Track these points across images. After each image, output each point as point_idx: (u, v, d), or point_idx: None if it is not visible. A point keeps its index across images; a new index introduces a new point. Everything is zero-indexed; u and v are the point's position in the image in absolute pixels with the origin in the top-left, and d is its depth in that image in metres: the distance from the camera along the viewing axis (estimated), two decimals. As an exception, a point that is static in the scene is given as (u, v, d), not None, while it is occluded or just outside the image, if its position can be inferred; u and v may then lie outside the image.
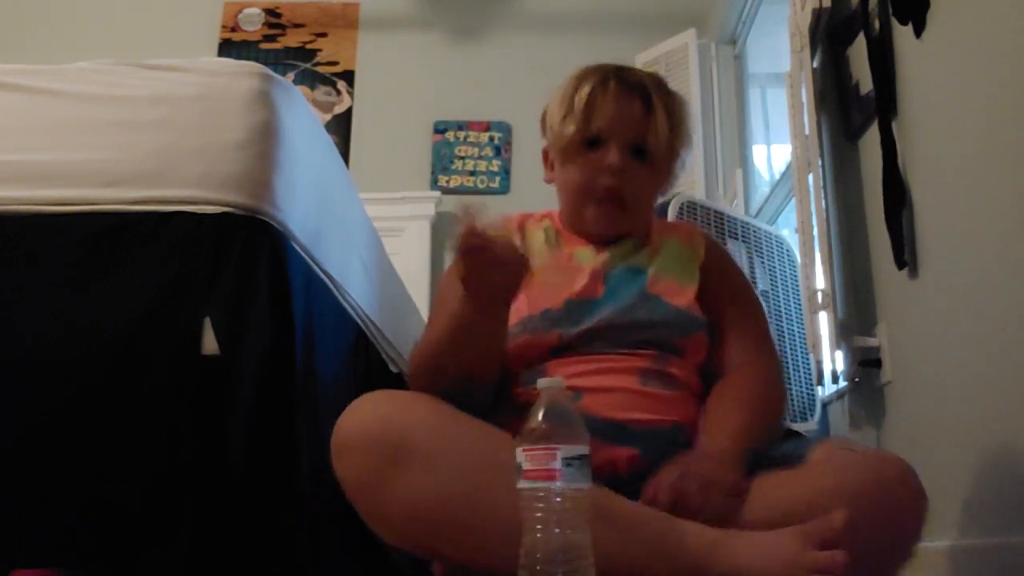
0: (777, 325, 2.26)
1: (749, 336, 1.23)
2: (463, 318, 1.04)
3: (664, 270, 1.23)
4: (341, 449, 0.96)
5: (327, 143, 1.62)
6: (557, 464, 0.81)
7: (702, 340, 1.19)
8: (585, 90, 1.20)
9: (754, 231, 2.35)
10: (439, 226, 3.47)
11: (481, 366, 1.09)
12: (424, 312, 3.06)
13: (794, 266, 2.38)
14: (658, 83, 1.25)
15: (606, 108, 1.19)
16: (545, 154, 1.31)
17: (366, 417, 0.96)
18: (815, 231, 2.03)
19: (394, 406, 0.98)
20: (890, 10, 1.77)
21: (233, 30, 3.89)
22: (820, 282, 2.03)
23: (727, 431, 1.07)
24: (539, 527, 0.80)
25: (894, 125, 1.77)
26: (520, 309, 1.16)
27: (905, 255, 1.70)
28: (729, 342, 1.21)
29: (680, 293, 1.20)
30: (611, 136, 1.20)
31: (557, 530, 0.80)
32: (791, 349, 2.27)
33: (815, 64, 2.14)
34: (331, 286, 1.55)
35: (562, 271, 1.21)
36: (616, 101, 1.20)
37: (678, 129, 1.24)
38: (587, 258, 1.24)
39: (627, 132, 1.20)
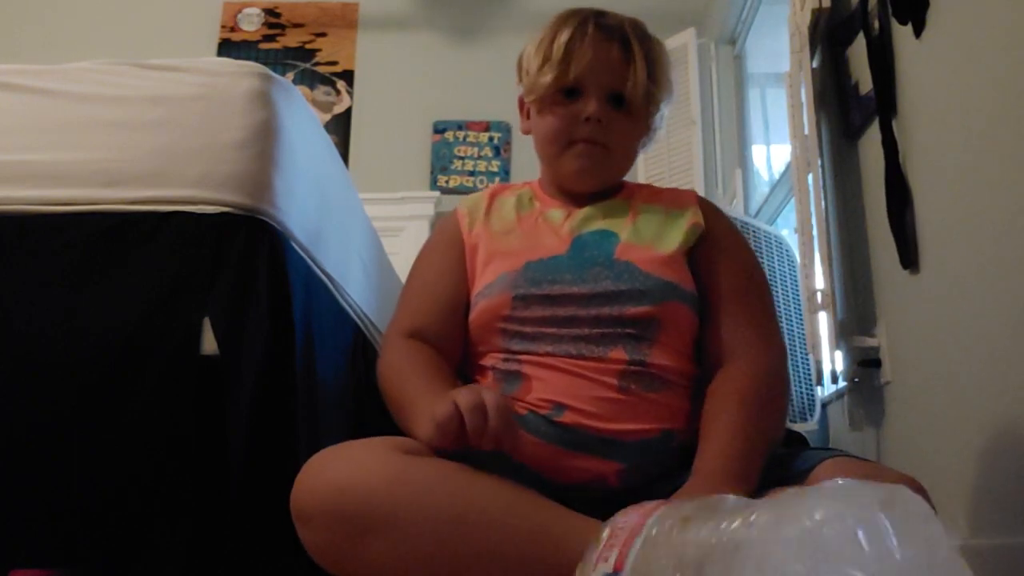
0: (777, 325, 2.26)
1: (750, 317, 1.12)
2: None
3: (639, 236, 1.15)
4: (300, 518, 0.92)
5: (327, 143, 1.62)
6: None
7: (680, 311, 1.09)
8: (563, 37, 1.17)
9: (753, 231, 2.35)
10: (439, 226, 3.47)
11: None
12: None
13: (794, 266, 2.38)
14: (637, 27, 1.20)
15: (583, 56, 1.15)
16: (521, 102, 1.26)
17: (323, 486, 0.91)
18: (815, 231, 2.03)
19: (352, 468, 0.92)
20: (890, 10, 1.77)
21: (232, 30, 3.89)
22: (820, 282, 2.03)
23: (724, 447, 0.98)
24: None
25: (894, 125, 1.77)
26: (485, 276, 1.15)
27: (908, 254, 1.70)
28: (726, 323, 1.11)
29: (655, 259, 1.11)
30: (589, 85, 1.15)
31: None
32: (791, 349, 2.27)
33: (815, 64, 2.14)
34: (330, 286, 1.55)
35: (527, 234, 1.18)
36: (594, 48, 1.15)
37: (657, 76, 1.19)
38: (558, 219, 1.19)
39: (605, 80, 1.16)
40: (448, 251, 1.21)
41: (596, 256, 1.13)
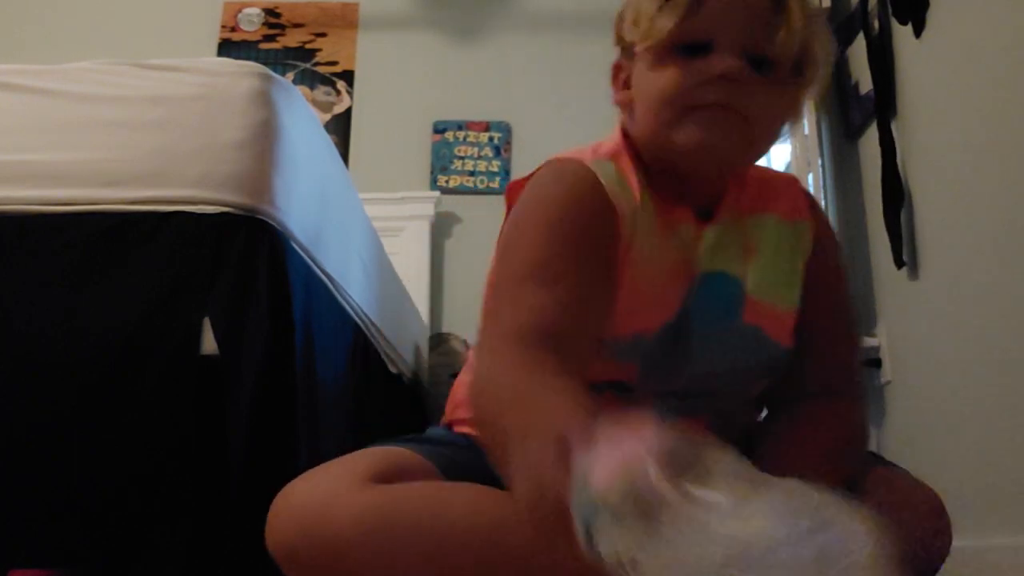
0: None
1: (840, 359, 0.99)
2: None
3: (762, 286, 0.95)
4: (273, 553, 0.84)
5: (327, 143, 1.63)
6: None
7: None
8: None
9: (754, 231, 2.35)
10: (438, 226, 3.47)
11: None
12: (424, 312, 3.06)
13: (794, 266, 2.38)
14: None
15: None
16: (616, 69, 0.96)
17: (288, 526, 0.81)
18: (815, 231, 2.03)
19: (317, 506, 0.81)
20: (890, 10, 1.77)
21: (233, 30, 3.89)
22: (820, 282, 2.03)
23: (814, 465, 0.80)
24: None
25: (893, 125, 1.77)
26: (619, 321, 0.89)
27: (904, 255, 1.70)
28: (816, 361, 0.97)
29: (782, 325, 0.95)
30: (723, 38, 0.85)
31: None
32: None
33: (815, 64, 2.14)
34: (330, 286, 1.55)
35: (664, 269, 0.91)
36: None
37: (819, 34, 0.88)
38: (688, 239, 0.93)
39: (745, 34, 0.85)
40: (592, 233, 0.89)
41: (723, 319, 0.94)
